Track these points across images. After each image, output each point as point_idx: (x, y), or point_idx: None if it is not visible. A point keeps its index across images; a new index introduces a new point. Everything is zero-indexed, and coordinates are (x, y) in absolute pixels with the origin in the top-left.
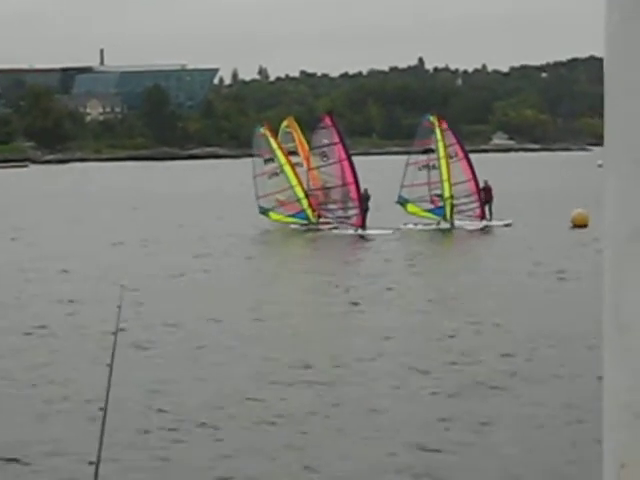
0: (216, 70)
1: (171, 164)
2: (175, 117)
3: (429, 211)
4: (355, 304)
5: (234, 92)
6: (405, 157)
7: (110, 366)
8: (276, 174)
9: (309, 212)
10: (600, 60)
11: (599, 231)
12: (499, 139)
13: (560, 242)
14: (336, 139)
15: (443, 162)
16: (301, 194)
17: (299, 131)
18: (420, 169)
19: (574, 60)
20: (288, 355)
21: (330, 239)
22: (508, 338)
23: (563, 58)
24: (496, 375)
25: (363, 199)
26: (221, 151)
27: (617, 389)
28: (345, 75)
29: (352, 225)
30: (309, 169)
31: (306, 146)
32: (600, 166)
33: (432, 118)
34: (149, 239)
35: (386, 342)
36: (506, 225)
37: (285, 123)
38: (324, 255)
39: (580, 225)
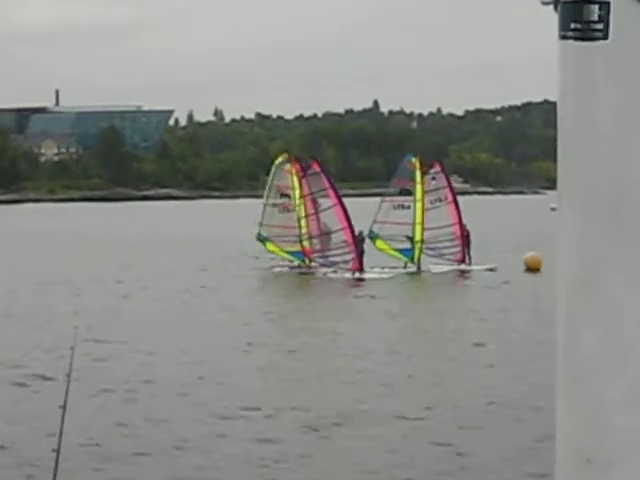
0: (171, 111)
1: (126, 205)
2: (130, 158)
3: (397, 250)
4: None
5: (189, 133)
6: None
7: (63, 408)
8: (288, 210)
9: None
10: (554, 104)
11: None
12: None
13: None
14: (326, 184)
15: (418, 205)
16: (305, 235)
17: (293, 169)
18: (395, 207)
19: (528, 104)
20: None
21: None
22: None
23: (517, 102)
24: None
25: (358, 242)
26: (176, 192)
27: (570, 435)
28: (300, 117)
29: (349, 269)
30: (307, 216)
31: (296, 184)
32: (553, 209)
33: (414, 160)
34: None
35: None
36: (489, 270)
37: (280, 159)
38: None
39: (533, 268)
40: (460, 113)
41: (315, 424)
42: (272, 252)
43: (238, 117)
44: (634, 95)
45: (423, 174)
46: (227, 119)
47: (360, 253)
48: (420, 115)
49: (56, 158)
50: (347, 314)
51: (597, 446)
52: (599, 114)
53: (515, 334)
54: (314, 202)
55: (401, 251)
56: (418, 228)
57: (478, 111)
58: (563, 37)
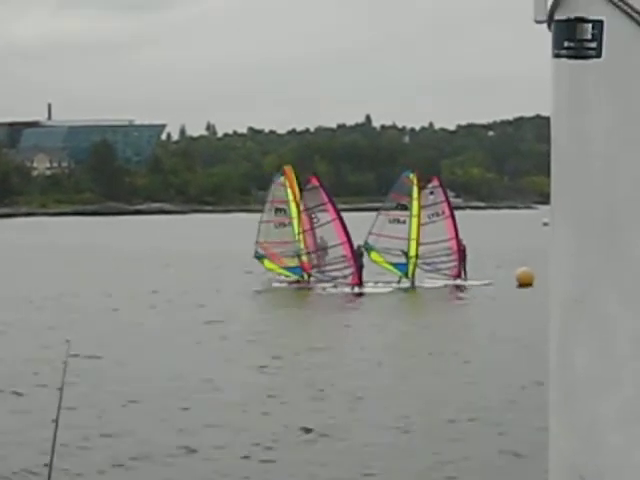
0: (163, 126)
1: (118, 219)
2: (122, 172)
3: (392, 264)
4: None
5: (182, 148)
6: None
7: (56, 422)
8: (284, 225)
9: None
10: (546, 119)
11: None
12: None
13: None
14: (325, 199)
15: (414, 221)
16: (303, 250)
17: (294, 184)
18: (390, 221)
19: (520, 119)
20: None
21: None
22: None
23: (509, 117)
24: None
25: (357, 256)
26: (168, 207)
27: (563, 452)
28: (293, 132)
29: (349, 284)
30: (304, 231)
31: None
32: (545, 224)
33: (412, 176)
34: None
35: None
36: (486, 285)
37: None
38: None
39: (525, 284)
40: (452, 128)
41: (291, 438)
42: (270, 270)
43: (230, 131)
44: (627, 113)
45: (420, 189)
46: (219, 133)
47: (359, 267)
48: (412, 130)
49: (48, 172)
50: (340, 330)
51: (590, 463)
52: (592, 132)
53: (509, 347)
54: (311, 217)
55: (395, 265)
56: (413, 244)
57: (470, 126)
58: (557, 55)
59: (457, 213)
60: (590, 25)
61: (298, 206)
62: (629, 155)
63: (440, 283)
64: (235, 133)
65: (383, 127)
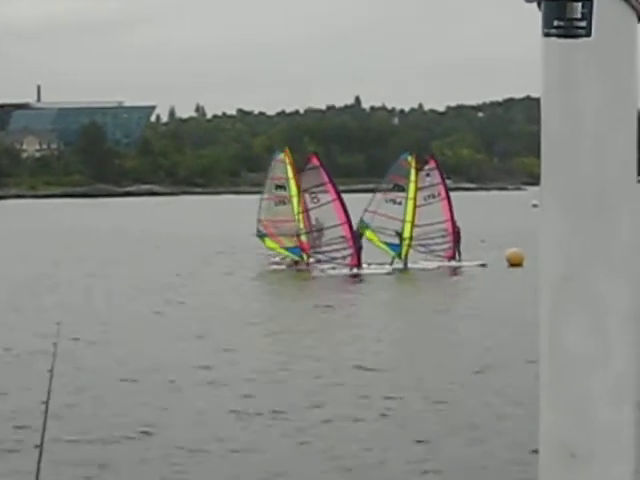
0: (153, 107)
1: (107, 201)
2: (112, 154)
3: (386, 244)
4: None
5: (171, 129)
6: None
7: (46, 404)
8: (283, 202)
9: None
10: (536, 100)
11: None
12: None
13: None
14: (326, 179)
15: (410, 203)
16: (302, 230)
17: (292, 165)
18: (387, 201)
19: (510, 100)
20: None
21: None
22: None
23: (499, 98)
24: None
25: (356, 237)
26: (157, 188)
27: (554, 430)
28: (282, 113)
29: (347, 265)
30: (304, 211)
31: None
32: (535, 206)
33: (410, 158)
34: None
35: None
36: (481, 265)
37: (281, 155)
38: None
39: (515, 264)
40: (442, 109)
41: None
42: (271, 249)
43: (220, 113)
44: (618, 92)
45: (418, 171)
46: (209, 115)
47: (358, 249)
48: (402, 111)
49: (37, 154)
50: (336, 312)
51: (581, 440)
52: (582, 111)
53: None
54: (311, 197)
55: (389, 245)
56: (407, 226)
57: (460, 107)
58: (546, 35)
59: None
60: (580, 4)
61: (298, 184)
62: (619, 134)
63: (433, 264)
64: (224, 115)
65: (373, 108)
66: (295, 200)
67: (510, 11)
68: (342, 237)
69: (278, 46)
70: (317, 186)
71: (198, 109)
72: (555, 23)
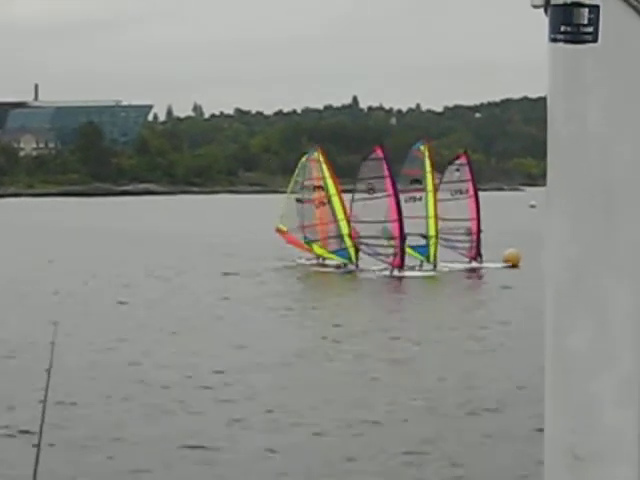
0: (150, 106)
1: (104, 200)
2: (109, 153)
3: (412, 248)
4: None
5: (168, 128)
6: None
7: (44, 403)
8: (323, 203)
9: (351, 251)
10: (533, 101)
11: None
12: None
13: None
14: (386, 172)
15: (430, 196)
16: (345, 230)
17: (327, 164)
18: (406, 201)
19: (508, 100)
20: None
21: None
22: None
23: (497, 98)
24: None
25: (404, 238)
26: (155, 187)
27: (558, 432)
28: (279, 113)
29: (389, 264)
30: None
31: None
32: (532, 206)
33: (422, 147)
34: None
35: None
36: (506, 267)
37: (305, 158)
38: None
39: (512, 264)
40: (439, 109)
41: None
42: (320, 255)
43: (217, 112)
44: (623, 96)
45: (432, 161)
46: (206, 114)
47: (403, 250)
48: (399, 111)
49: (35, 153)
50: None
51: (586, 442)
52: (588, 115)
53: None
54: (369, 188)
55: (415, 249)
56: (431, 222)
57: (457, 107)
58: (553, 40)
59: None
60: (587, 10)
61: (335, 183)
62: (625, 138)
63: (459, 266)
64: (222, 114)
65: (370, 108)
66: (336, 199)
67: (510, 12)
68: (391, 234)
69: (274, 44)
70: (375, 178)
71: (196, 108)
72: (562, 29)
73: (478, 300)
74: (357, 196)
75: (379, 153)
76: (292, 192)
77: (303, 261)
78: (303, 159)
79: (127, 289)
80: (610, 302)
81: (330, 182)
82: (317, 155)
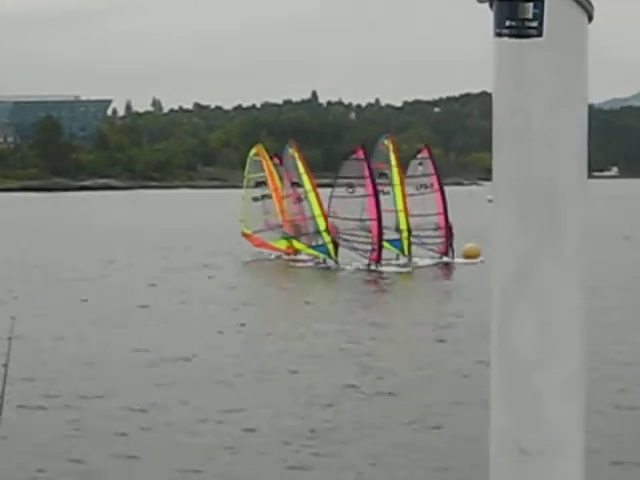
0: (109, 101)
1: (63, 195)
2: (68, 148)
3: (387, 241)
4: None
5: (127, 123)
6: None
7: (1, 399)
8: (300, 200)
9: (330, 247)
10: (492, 96)
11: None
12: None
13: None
14: (366, 173)
15: (397, 190)
16: (323, 226)
17: (269, 160)
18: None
19: (466, 95)
20: None
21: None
22: None
23: (456, 93)
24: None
25: (381, 236)
26: (114, 182)
27: (504, 426)
28: (239, 108)
29: (368, 258)
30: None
31: (276, 176)
32: (490, 201)
33: (387, 141)
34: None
35: None
36: (475, 263)
37: (253, 151)
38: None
39: (472, 258)
40: (398, 104)
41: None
42: (300, 250)
43: (176, 107)
44: (568, 91)
45: (398, 155)
46: (165, 109)
47: (381, 247)
48: (358, 106)
49: None
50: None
51: (531, 436)
52: (533, 110)
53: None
54: (348, 187)
55: (390, 242)
56: (401, 216)
57: (416, 102)
58: (498, 35)
59: None
60: (531, 4)
61: (311, 179)
62: (569, 133)
63: (430, 261)
64: (181, 109)
65: (329, 103)
66: (312, 196)
67: (466, 9)
68: (368, 232)
69: (233, 38)
70: (356, 177)
71: (154, 103)
72: (507, 23)
73: (444, 294)
74: (336, 193)
75: (360, 154)
76: (247, 187)
77: (272, 257)
78: (251, 154)
79: (84, 283)
80: (555, 297)
81: (306, 178)
82: (292, 151)
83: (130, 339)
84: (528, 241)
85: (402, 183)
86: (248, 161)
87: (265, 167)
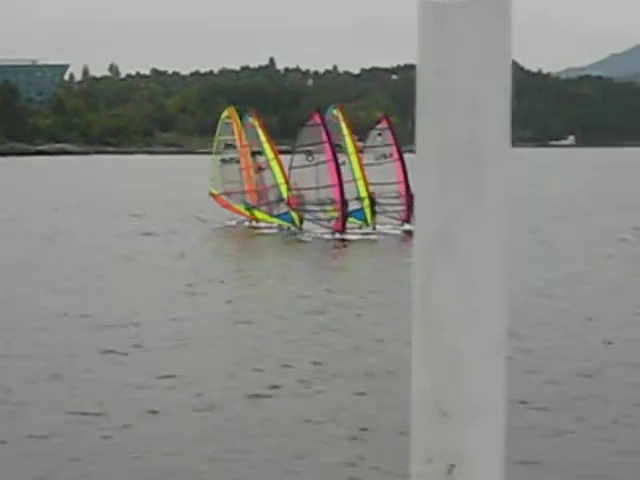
0: (66, 66)
1: (19, 160)
2: (25, 112)
3: (350, 214)
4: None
5: (84, 88)
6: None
7: None
8: (262, 169)
9: (294, 214)
10: None
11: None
12: None
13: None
14: (324, 138)
15: (353, 158)
16: (286, 194)
17: (239, 123)
18: None
19: None
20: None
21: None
22: None
23: (414, 61)
24: None
25: (345, 203)
26: (70, 147)
27: (425, 388)
28: (196, 73)
29: (331, 229)
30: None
31: (245, 140)
32: None
33: (335, 112)
34: None
35: None
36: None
37: (225, 114)
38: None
39: None
40: (356, 71)
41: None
42: (262, 220)
43: (133, 72)
44: (492, 52)
45: (348, 124)
46: (122, 74)
47: (345, 215)
48: (316, 73)
49: None
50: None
51: (451, 398)
52: (456, 71)
53: None
54: (307, 154)
55: (352, 214)
56: (360, 184)
57: (374, 69)
58: None
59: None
60: None
61: (272, 147)
62: (493, 95)
63: (393, 229)
64: (138, 74)
65: (287, 70)
66: (274, 164)
67: None
68: (331, 199)
69: (190, 4)
70: (314, 144)
71: (112, 68)
72: None
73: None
74: (295, 163)
75: (317, 119)
76: (217, 153)
77: (232, 223)
78: (223, 116)
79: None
80: (477, 258)
81: (267, 147)
82: (252, 120)
83: (74, 304)
84: (450, 201)
85: (357, 151)
86: (220, 123)
87: (235, 130)
